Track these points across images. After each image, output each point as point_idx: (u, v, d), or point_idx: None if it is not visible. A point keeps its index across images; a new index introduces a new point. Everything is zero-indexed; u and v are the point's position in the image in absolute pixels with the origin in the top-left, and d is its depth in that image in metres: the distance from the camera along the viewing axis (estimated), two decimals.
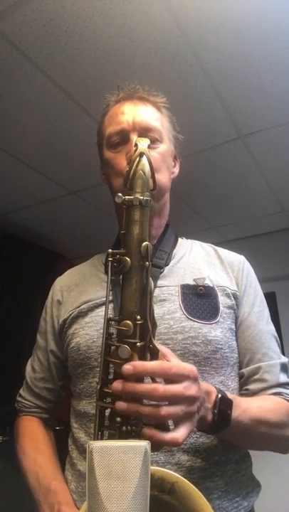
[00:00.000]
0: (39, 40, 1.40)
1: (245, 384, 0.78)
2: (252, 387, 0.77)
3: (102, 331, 0.62)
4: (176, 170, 0.92)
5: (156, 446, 0.53)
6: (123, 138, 0.81)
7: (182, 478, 0.52)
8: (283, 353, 0.82)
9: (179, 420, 0.55)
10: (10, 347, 2.66)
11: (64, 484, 0.74)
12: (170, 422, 0.55)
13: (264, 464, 1.28)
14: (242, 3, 1.30)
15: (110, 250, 0.61)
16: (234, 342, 0.79)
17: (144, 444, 0.46)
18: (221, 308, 0.79)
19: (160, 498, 0.51)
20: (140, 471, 0.44)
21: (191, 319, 0.75)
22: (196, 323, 0.74)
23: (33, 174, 2.23)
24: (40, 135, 1.91)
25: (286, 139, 1.97)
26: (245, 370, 0.79)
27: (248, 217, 2.86)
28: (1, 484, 1.94)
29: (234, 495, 0.69)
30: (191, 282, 0.81)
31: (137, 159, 0.62)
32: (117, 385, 0.54)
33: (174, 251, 0.88)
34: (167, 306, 0.77)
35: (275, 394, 0.75)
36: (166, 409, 0.53)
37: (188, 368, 0.56)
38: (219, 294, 0.80)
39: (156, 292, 0.78)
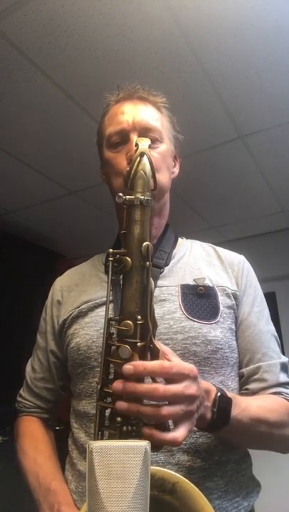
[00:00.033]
0: (39, 40, 1.40)
1: (245, 384, 0.78)
2: (252, 386, 0.77)
3: (102, 331, 0.62)
4: (176, 170, 0.92)
5: (157, 446, 0.53)
6: (123, 138, 0.81)
7: (183, 478, 0.52)
8: (283, 353, 0.82)
9: (178, 420, 0.55)
10: (10, 347, 2.66)
11: (64, 484, 0.74)
12: (170, 422, 0.55)
13: (264, 464, 1.28)
14: (242, 3, 1.30)
15: (111, 250, 0.61)
16: (234, 342, 0.79)
17: (144, 444, 0.46)
18: (221, 308, 0.79)
19: (161, 498, 0.51)
20: (140, 471, 0.44)
21: (191, 319, 0.75)
22: (196, 323, 0.74)
23: (33, 174, 2.23)
24: (40, 135, 1.91)
25: (286, 139, 1.97)
26: (245, 370, 0.79)
27: (248, 217, 2.86)
28: (1, 484, 1.94)
29: (234, 495, 0.69)
30: (191, 282, 0.81)
31: (138, 159, 0.62)
32: (118, 384, 0.54)
33: (174, 251, 0.88)
34: (167, 306, 0.77)
35: (275, 393, 0.75)
36: (166, 409, 0.53)
37: (189, 367, 0.56)
38: (219, 293, 0.80)
39: (156, 292, 0.78)
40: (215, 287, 0.81)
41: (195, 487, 0.52)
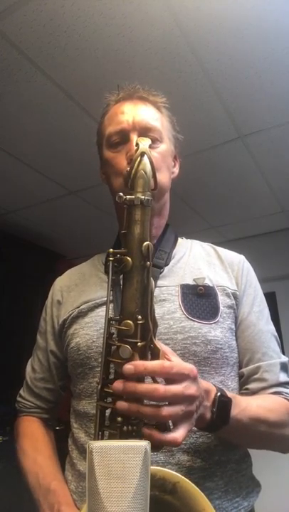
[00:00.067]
0: (39, 40, 1.40)
1: (245, 383, 0.78)
2: (252, 386, 0.77)
3: (102, 331, 0.62)
4: (176, 170, 0.92)
5: (156, 446, 0.53)
6: (123, 137, 0.81)
7: (184, 478, 0.52)
8: (283, 353, 0.82)
9: (178, 420, 0.55)
10: (10, 347, 2.65)
11: (64, 484, 0.74)
12: (169, 422, 0.55)
13: (264, 464, 1.28)
14: (242, 3, 1.30)
15: (111, 250, 0.61)
16: (234, 342, 0.79)
17: (144, 444, 0.46)
18: (221, 308, 0.79)
19: (162, 498, 0.51)
20: (140, 471, 0.44)
21: (191, 319, 0.75)
22: (195, 323, 0.74)
23: (33, 174, 2.23)
24: (40, 135, 1.91)
25: (286, 139, 1.97)
26: (245, 370, 0.79)
27: (248, 217, 2.86)
28: (1, 484, 1.94)
29: (234, 495, 0.69)
30: (191, 282, 0.80)
31: (138, 159, 0.62)
32: (118, 384, 0.54)
33: (174, 251, 0.88)
34: (167, 306, 0.77)
35: (275, 393, 0.75)
36: (166, 410, 0.53)
37: (189, 367, 0.56)
38: (219, 293, 0.80)
39: (156, 292, 0.78)
40: (215, 287, 0.81)
41: (196, 487, 0.52)
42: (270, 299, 2.75)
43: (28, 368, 0.92)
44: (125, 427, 0.54)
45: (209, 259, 0.89)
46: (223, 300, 0.80)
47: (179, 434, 0.53)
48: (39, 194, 2.47)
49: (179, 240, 0.93)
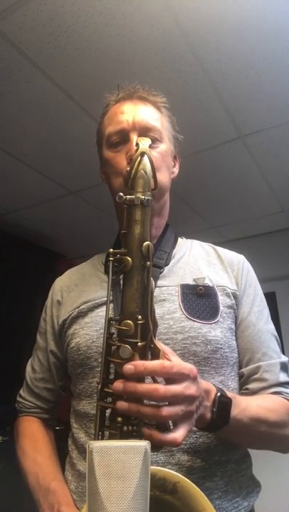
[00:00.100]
0: (39, 40, 1.40)
1: (245, 383, 0.78)
2: (252, 386, 0.77)
3: (101, 331, 0.62)
4: (176, 170, 0.92)
5: (156, 446, 0.53)
6: (123, 137, 0.81)
7: (184, 478, 0.52)
8: (283, 353, 0.82)
9: (178, 420, 0.55)
10: (10, 347, 2.65)
11: (64, 484, 0.74)
12: (169, 422, 0.55)
13: (264, 464, 1.28)
14: (242, 3, 1.30)
15: (111, 250, 0.61)
16: (234, 342, 0.79)
17: (144, 444, 0.46)
18: (221, 307, 0.79)
19: (162, 498, 0.51)
20: (140, 471, 0.44)
21: (191, 319, 0.75)
22: (195, 323, 0.74)
23: (33, 174, 2.23)
24: (40, 135, 1.91)
25: (286, 139, 1.97)
26: (245, 370, 0.78)
27: (248, 217, 2.86)
28: (1, 484, 1.94)
29: (234, 495, 0.69)
30: (191, 282, 0.80)
31: (139, 159, 0.62)
32: (118, 384, 0.54)
33: (174, 251, 0.88)
34: (167, 306, 0.77)
35: (275, 393, 0.75)
36: (166, 410, 0.53)
37: (189, 367, 0.56)
38: (219, 293, 0.80)
39: (156, 292, 0.78)
40: (215, 287, 0.81)
41: (196, 487, 0.52)
42: (270, 299, 2.75)
43: (28, 368, 0.92)
44: (125, 427, 0.54)
45: (209, 259, 0.89)
46: (223, 300, 0.80)
47: (179, 434, 0.53)
48: (39, 194, 2.47)
49: (179, 239, 0.93)
